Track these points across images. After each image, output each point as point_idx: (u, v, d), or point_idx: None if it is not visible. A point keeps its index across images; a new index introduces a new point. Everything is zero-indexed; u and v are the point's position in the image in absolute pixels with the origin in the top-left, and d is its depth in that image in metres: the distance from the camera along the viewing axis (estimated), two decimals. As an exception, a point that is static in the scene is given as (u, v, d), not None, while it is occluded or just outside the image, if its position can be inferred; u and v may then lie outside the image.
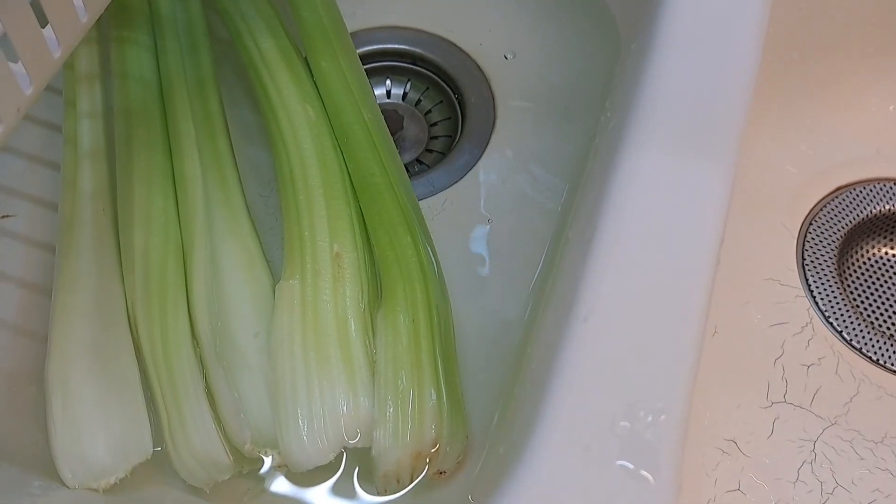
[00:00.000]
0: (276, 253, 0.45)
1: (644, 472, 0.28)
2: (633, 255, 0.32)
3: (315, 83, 0.47)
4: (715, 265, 0.31)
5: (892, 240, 0.53)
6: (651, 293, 0.31)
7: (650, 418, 0.28)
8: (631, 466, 0.28)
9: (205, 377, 0.40)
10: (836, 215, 0.53)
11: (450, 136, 0.54)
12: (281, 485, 0.40)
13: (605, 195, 0.33)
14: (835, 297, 0.50)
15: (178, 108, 0.47)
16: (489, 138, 0.52)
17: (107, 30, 0.49)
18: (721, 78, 0.37)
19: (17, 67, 0.35)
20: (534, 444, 0.29)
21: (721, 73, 0.37)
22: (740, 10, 0.40)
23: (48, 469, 0.39)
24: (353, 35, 0.56)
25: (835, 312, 0.50)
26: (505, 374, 0.43)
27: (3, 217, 0.47)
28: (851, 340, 0.49)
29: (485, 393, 0.43)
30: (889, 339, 0.49)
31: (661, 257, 0.31)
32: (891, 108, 0.56)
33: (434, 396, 0.38)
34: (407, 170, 0.52)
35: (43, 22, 0.36)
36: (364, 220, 0.44)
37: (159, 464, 0.40)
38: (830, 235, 0.52)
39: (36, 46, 0.35)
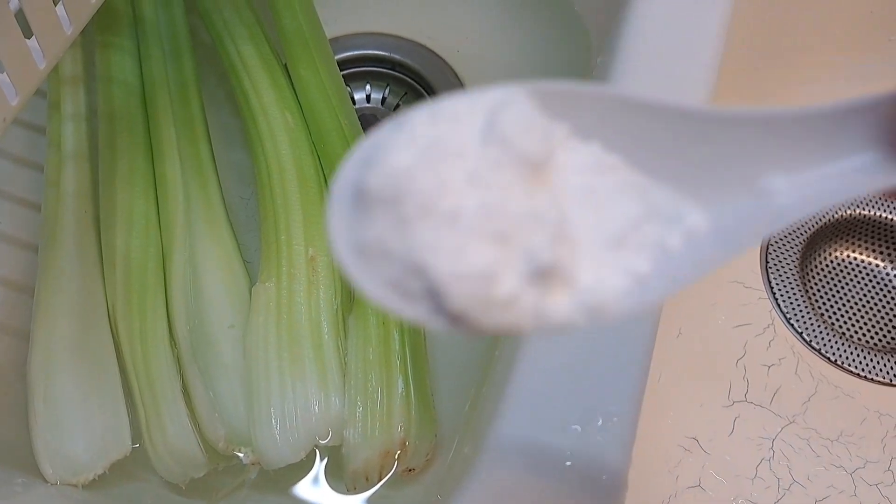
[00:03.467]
0: (257, 254, 0.46)
1: (593, 473, 0.29)
2: None
3: (294, 90, 0.49)
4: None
5: (852, 244, 0.55)
6: None
7: (600, 422, 0.30)
8: (581, 467, 0.30)
9: (182, 376, 0.42)
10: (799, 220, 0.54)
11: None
12: (254, 481, 0.41)
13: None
14: (796, 300, 0.52)
15: (160, 112, 0.48)
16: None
17: (91, 34, 0.50)
18: (681, 89, 0.38)
19: (3, 78, 0.36)
20: (491, 445, 0.30)
21: (680, 88, 0.38)
22: (703, 24, 0.41)
23: (31, 465, 0.40)
24: (334, 41, 0.57)
25: (796, 314, 0.51)
26: (475, 374, 0.44)
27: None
28: (811, 342, 0.50)
29: (455, 392, 0.44)
30: (847, 340, 0.51)
31: None
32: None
33: (402, 397, 0.40)
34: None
35: (28, 33, 0.37)
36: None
37: (138, 460, 0.41)
38: (793, 239, 0.53)
39: (21, 58, 0.36)
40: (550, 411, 0.30)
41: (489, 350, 0.45)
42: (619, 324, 0.32)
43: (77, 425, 0.40)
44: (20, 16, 0.35)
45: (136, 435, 0.41)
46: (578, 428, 0.30)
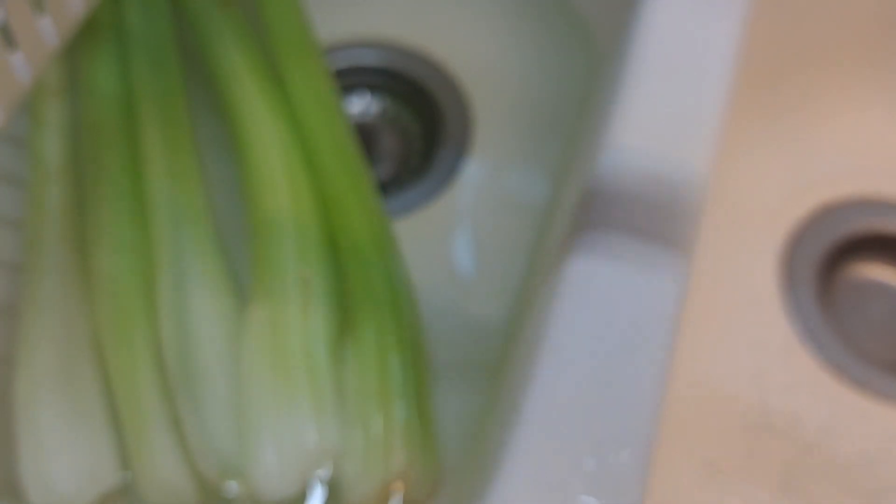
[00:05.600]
0: (248, 273, 0.44)
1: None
2: (600, 291, 0.31)
3: (286, 102, 0.47)
4: (683, 299, 0.31)
5: (875, 260, 0.53)
6: (616, 330, 0.30)
7: (615, 454, 0.28)
8: (595, 502, 0.28)
9: (171, 404, 0.40)
10: (819, 234, 0.52)
11: (427, 152, 0.54)
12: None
13: (573, 233, 0.33)
14: (815, 319, 0.50)
15: (146, 125, 0.46)
16: (466, 154, 0.52)
17: (75, 45, 0.48)
18: (693, 103, 0.36)
19: None
20: (500, 480, 0.29)
21: (693, 99, 0.36)
22: (716, 30, 0.39)
23: (18, 495, 0.39)
24: (333, 51, 0.55)
25: (815, 333, 0.49)
26: (481, 400, 0.43)
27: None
28: (831, 362, 0.48)
29: (461, 419, 0.42)
30: (868, 361, 0.49)
31: (627, 294, 0.31)
32: (879, 124, 0.56)
33: (403, 426, 0.38)
34: (384, 186, 0.52)
35: (12, 46, 0.35)
36: (334, 242, 0.43)
37: (128, 491, 0.39)
38: (813, 255, 0.52)
39: (5, 72, 0.34)
40: (562, 444, 0.29)
41: (496, 372, 0.43)
42: (632, 353, 0.30)
43: (64, 455, 0.39)
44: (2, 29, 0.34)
45: (125, 465, 0.39)
46: (593, 461, 0.28)
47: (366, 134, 0.54)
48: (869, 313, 0.51)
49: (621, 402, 0.29)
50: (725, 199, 0.53)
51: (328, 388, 0.38)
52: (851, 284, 0.52)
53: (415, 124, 0.55)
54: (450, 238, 0.49)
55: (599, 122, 0.39)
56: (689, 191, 0.34)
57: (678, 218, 0.33)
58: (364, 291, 0.41)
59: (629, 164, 0.34)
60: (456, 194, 0.51)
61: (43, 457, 0.39)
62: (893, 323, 0.51)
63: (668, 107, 0.37)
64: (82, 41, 0.48)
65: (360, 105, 0.56)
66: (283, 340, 0.39)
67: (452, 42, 0.56)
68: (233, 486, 0.38)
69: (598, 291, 0.31)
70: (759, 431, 0.47)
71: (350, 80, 0.56)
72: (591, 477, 0.28)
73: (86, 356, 0.41)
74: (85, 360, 0.41)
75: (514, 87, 0.54)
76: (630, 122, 0.36)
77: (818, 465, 0.46)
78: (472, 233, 0.49)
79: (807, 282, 0.51)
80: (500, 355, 0.44)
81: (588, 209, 0.34)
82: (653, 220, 0.33)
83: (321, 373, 0.39)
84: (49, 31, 0.37)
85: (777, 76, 0.55)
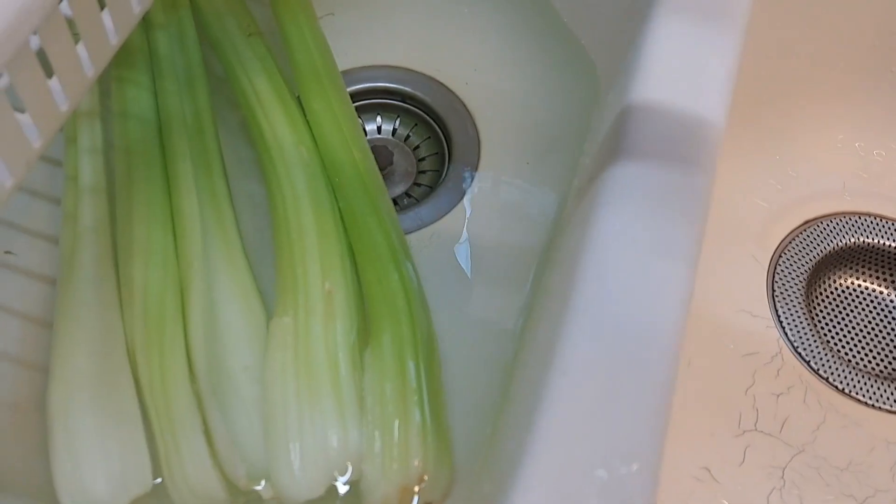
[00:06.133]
0: (272, 284, 0.47)
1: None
2: (608, 311, 0.33)
3: (308, 123, 0.49)
4: (684, 322, 0.33)
5: (857, 271, 0.55)
6: (625, 349, 0.32)
7: (625, 467, 0.30)
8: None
9: (201, 411, 0.42)
10: (804, 248, 0.55)
11: (437, 171, 0.56)
12: (275, 516, 0.42)
13: (580, 253, 0.35)
14: (803, 328, 0.52)
15: (176, 147, 0.48)
16: (475, 172, 0.54)
17: (107, 69, 0.50)
18: (692, 136, 0.38)
19: (25, 120, 0.36)
20: (515, 491, 0.31)
21: (692, 131, 0.38)
22: (715, 55, 0.41)
23: (52, 499, 0.40)
24: (346, 73, 0.58)
25: (803, 342, 0.52)
26: (491, 407, 0.45)
27: (5, 253, 0.48)
28: (818, 370, 0.51)
29: (472, 424, 0.44)
30: (853, 368, 0.51)
31: (633, 314, 0.33)
32: (856, 144, 0.58)
33: (419, 431, 0.40)
34: (396, 203, 0.54)
35: (48, 73, 0.37)
36: (354, 257, 0.46)
37: (159, 496, 0.41)
38: (799, 267, 0.54)
39: (44, 99, 0.36)
40: (574, 458, 0.31)
41: (505, 383, 0.45)
42: (639, 370, 0.32)
43: (98, 460, 0.40)
44: (41, 55, 0.35)
45: (157, 470, 0.41)
46: (604, 473, 0.30)
47: (378, 153, 0.56)
48: (854, 322, 0.54)
49: (629, 419, 0.31)
50: (719, 215, 0.55)
51: (350, 395, 0.41)
52: (837, 294, 0.55)
53: (427, 145, 0.58)
54: (459, 250, 0.52)
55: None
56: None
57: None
58: (382, 301, 0.44)
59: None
60: (464, 209, 0.53)
61: (76, 462, 0.40)
62: (878, 331, 0.54)
63: (669, 129, 0.39)
64: (114, 66, 0.50)
65: (373, 125, 0.58)
66: (306, 350, 0.42)
67: (461, 67, 0.58)
68: (260, 490, 0.40)
69: (606, 310, 0.33)
70: (751, 438, 0.49)
71: (364, 101, 0.58)
72: (603, 488, 0.30)
73: (118, 364, 0.43)
74: (117, 368, 0.43)
75: (518, 110, 0.57)
76: (632, 146, 0.38)
77: (809, 470, 0.48)
78: (480, 245, 0.51)
79: (795, 292, 0.53)
80: (511, 359, 0.46)
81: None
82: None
83: (343, 381, 0.41)
84: (85, 60, 0.39)
85: (768, 102, 0.57)
